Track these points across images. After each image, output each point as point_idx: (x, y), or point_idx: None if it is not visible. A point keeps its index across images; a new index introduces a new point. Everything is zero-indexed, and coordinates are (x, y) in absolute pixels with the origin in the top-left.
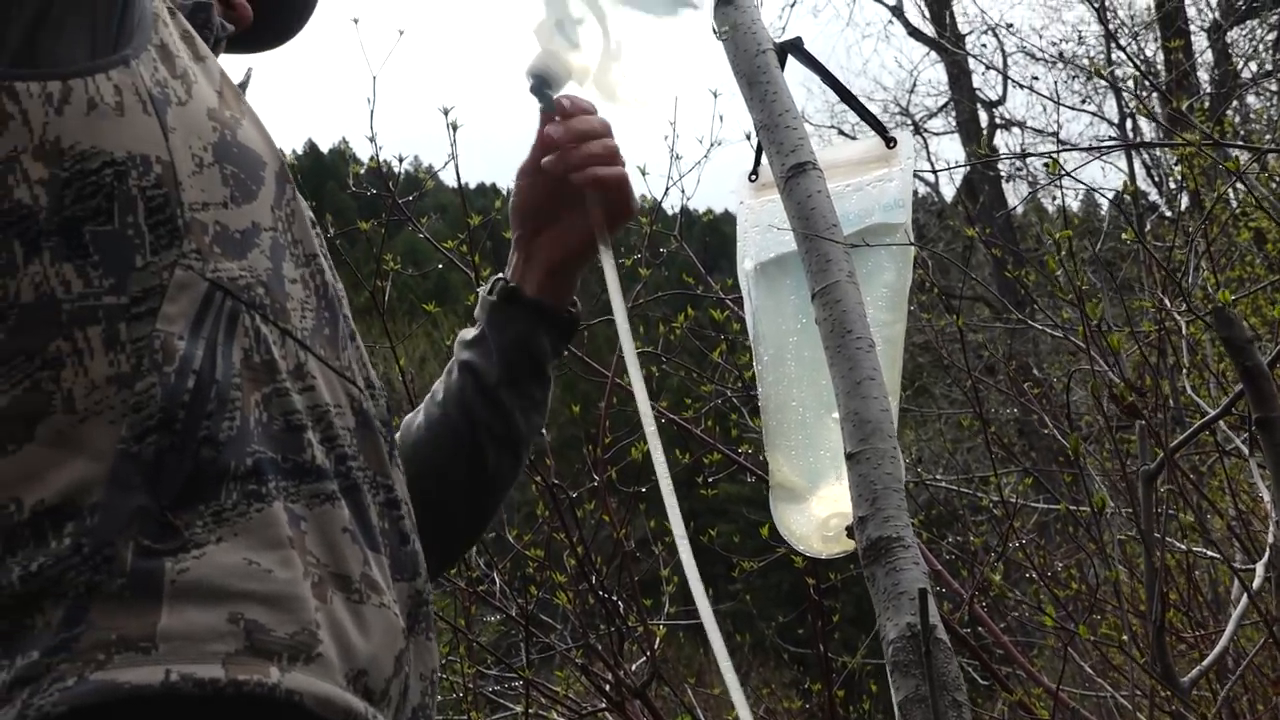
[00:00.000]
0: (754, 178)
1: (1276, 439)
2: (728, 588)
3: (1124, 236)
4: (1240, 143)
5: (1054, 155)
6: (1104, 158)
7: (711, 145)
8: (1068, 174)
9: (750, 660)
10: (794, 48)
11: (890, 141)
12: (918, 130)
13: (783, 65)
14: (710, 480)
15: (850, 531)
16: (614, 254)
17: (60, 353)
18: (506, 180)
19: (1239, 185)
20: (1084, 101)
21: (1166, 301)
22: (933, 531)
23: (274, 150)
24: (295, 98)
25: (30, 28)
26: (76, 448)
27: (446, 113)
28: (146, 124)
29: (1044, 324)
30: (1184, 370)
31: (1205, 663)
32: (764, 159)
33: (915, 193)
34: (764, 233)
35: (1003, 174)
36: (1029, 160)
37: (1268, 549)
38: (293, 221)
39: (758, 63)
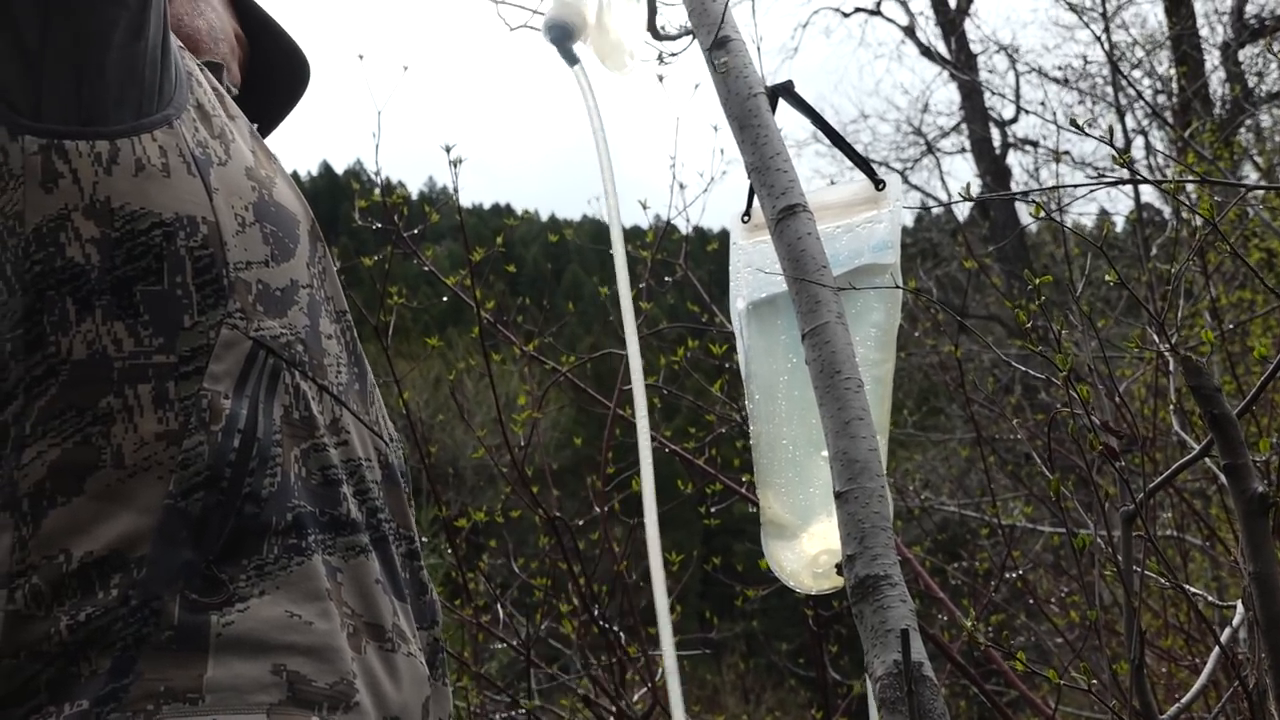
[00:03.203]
0: (747, 219)
1: (1243, 485)
2: (746, 608)
3: (1107, 278)
4: (1231, 180)
5: (1045, 193)
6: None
7: (713, 179)
8: (1049, 216)
9: (764, 683)
10: (785, 91)
11: (879, 184)
12: (930, 150)
13: (774, 108)
14: (713, 509)
15: (840, 568)
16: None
17: (111, 409)
18: (520, 202)
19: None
20: (1091, 124)
21: (1155, 336)
22: (938, 557)
23: (305, 207)
24: (309, 116)
25: (77, 86)
26: (125, 502)
27: (449, 150)
28: (191, 185)
29: (1017, 358)
30: (1171, 406)
31: (1184, 701)
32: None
33: (929, 212)
34: (755, 273)
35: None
36: (1040, 179)
37: (1242, 588)
38: (325, 278)
39: (749, 106)
